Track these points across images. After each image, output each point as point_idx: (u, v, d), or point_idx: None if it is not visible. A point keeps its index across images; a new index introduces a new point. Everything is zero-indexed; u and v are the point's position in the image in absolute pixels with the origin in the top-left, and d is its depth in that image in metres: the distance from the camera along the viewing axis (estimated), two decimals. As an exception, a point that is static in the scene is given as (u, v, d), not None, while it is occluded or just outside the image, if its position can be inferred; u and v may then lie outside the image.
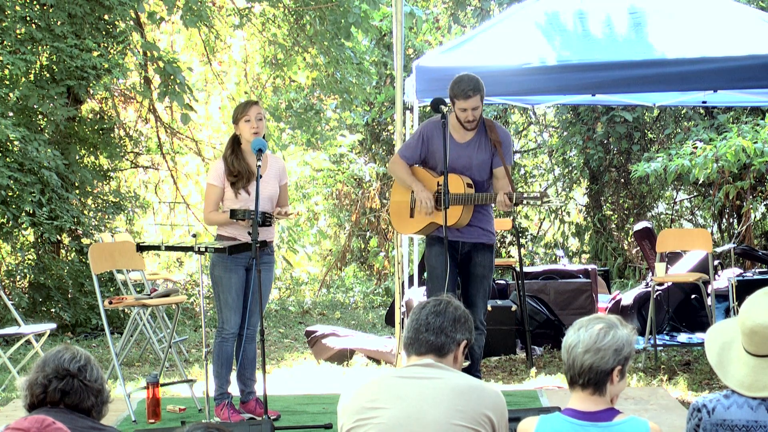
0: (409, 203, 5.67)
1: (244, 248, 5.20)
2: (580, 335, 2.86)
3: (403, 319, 6.91)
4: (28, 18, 8.59)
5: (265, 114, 5.65)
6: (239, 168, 5.46)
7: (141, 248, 5.57)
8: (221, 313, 5.50)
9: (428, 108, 6.58)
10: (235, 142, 5.54)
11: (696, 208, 13.27)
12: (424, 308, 3.05)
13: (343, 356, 7.43)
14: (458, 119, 5.50)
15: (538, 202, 5.42)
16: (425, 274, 5.99)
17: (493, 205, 5.53)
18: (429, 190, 5.55)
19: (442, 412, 2.85)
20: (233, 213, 5.28)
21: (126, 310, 8.42)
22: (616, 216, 13.08)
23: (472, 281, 5.58)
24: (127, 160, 11.09)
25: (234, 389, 5.64)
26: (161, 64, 9.06)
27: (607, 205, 13.09)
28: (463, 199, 5.43)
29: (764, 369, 2.92)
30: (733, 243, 10.26)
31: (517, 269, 7.56)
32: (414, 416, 2.86)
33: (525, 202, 5.55)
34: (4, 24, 8.41)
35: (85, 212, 9.67)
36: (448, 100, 5.53)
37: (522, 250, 12.24)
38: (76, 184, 9.53)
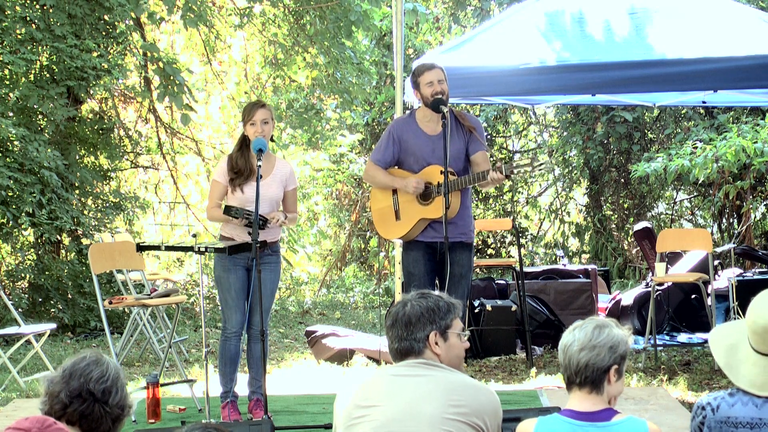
0: (392, 206, 5.48)
1: (244, 248, 5.21)
2: (576, 334, 2.89)
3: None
4: (28, 18, 8.60)
5: (273, 115, 5.62)
6: (241, 165, 5.48)
7: (141, 248, 5.58)
8: (223, 313, 5.53)
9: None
10: (244, 141, 5.58)
11: (696, 208, 13.27)
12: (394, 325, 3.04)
13: (343, 356, 7.43)
14: (428, 100, 5.33)
15: (529, 168, 5.19)
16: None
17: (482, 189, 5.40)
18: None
19: (436, 407, 2.85)
20: (227, 209, 5.31)
21: (126, 310, 8.42)
22: (616, 216, 13.07)
23: (451, 282, 5.26)
24: (127, 160, 11.09)
25: (242, 389, 5.64)
26: (161, 65, 9.06)
27: (607, 205, 13.09)
28: (453, 184, 5.24)
29: None
30: (733, 243, 10.26)
31: (517, 269, 7.56)
32: (408, 412, 2.86)
33: (517, 171, 5.27)
34: (4, 24, 8.42)
35: (85, 212, 9.67)
36: (419, 102, 5.46)
37: (522, 250, 12.25)
38: (76, 185, 9.53)
